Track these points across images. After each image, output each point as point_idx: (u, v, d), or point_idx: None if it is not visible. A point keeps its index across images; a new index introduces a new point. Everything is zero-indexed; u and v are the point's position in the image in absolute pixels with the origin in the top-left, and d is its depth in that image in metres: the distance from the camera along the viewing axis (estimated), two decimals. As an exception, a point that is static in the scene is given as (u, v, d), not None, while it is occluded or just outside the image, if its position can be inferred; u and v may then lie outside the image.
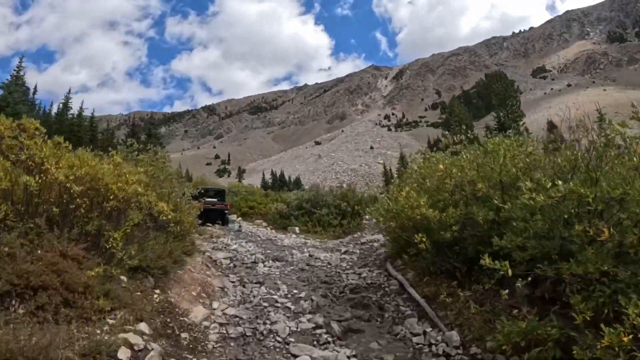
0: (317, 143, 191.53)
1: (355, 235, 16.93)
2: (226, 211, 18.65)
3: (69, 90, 31.31)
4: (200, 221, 13.81)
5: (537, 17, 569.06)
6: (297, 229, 17.65)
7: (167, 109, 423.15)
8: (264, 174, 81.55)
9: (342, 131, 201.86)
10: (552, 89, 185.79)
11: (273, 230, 17.72)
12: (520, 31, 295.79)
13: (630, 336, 2.65)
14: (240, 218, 20.43)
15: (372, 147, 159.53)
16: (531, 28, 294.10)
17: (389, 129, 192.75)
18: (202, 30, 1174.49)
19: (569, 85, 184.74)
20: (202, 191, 19.94)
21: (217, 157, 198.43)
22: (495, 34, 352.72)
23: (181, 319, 5.22)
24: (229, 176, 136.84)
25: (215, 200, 18.62)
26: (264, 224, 19.26)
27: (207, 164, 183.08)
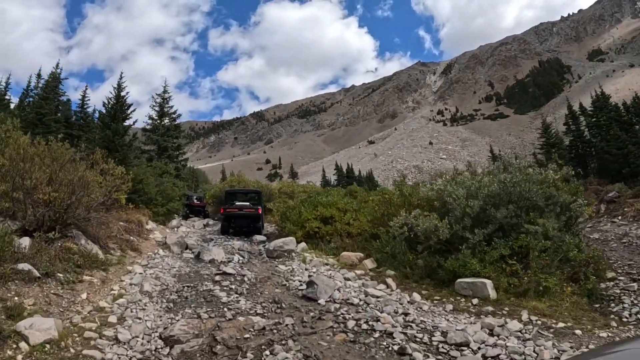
0: (371, 142, 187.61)
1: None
2: (259, 217, 14.69)
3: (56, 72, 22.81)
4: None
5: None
6: (489, 285, 6.97)
7: (217, 118, 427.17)
8: (323, 170, 70.62)
9: (395, 129, 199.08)
10: (613, 70, 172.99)
11: (407, 294, 7.19)
12: (568, 15, 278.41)
13: None
14: (303, 244, 10.63)
15: (431, 143, 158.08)
16: (580, 10, 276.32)
17: (444, 124, 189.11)
18: (244, 40, 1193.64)
19: (631, 66, 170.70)
20: (228, 195, 16.80)
21: (267, 161, 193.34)
22: (541, 20, 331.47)
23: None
24: (280, 179, 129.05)
25: (247, 204, 15.30)
26: (369, 265, 8.99)
27: (258, 169, 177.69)
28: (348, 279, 7.86)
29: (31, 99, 22.38)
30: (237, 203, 15.36)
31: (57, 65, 22.87)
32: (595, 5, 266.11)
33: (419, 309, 6.42)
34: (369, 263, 8.99)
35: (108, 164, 8.59)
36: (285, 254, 10.01)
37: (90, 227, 8.39)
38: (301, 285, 7.32)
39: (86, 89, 22.91)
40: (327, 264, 9.13)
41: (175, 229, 15.21)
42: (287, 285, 7.41)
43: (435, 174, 13.95)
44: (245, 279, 7.59)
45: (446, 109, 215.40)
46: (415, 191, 9.92)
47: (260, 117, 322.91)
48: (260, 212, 14.87)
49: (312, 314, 5.81)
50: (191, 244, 11.11)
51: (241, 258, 9.62)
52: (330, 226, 11.13)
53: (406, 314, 5.95)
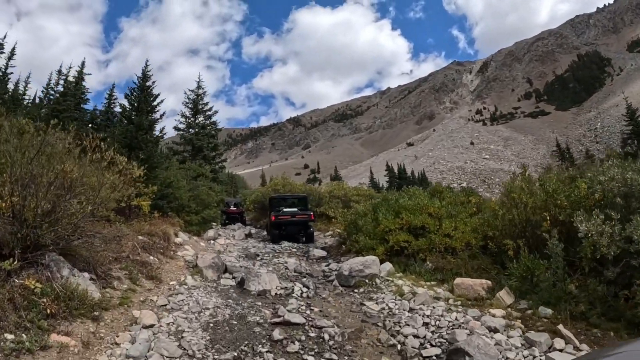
0: (409, 144, 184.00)
1: None
2: (310, 223, 14.72)
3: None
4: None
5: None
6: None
7: (254, 125, 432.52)
8: (371, 171, 67.08)
9: (434, 130, 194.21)
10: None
11: None
12: (604, 5, 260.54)
13: None
14: (388, 266, 7.47)
15: (472, 143, 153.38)
16: (616, 1, 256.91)
17: (484, 124, 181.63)
18: (278, 47, 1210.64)
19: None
20: (272, 201, 16.32)
21: (306, 166, 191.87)
22: (576, 13, 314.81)
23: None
24: (319, 184, 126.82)
25: (296, 210, 15.07)
26: (506, 299, 5.44)
27: (297, 174, 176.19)
28: (494, 330, 4.61)
29: (52, 97, 20.34)
30: (286, 209, 15.10)
31: (83, 63, 20.58)
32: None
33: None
34: (506, 296, 5.68)
35: (103, 154, 5.68)
36: (366, 281, 6.89)
37: (83, 249, 5.55)
38: (423, 345, 4.17)
39: (113, 87, 20.58)
40: (437, 298, 5.92)
41: (212, 241, 12.38)
42: (398, 346, 4.26)
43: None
44: (325, 335, 4.48)
45: (485, 108, 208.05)
46: (559, 187, 6.54)
47: (296, 122, 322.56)
48: (313, 217, 14.87)
49: None
50: (231, 264, 8.14)
51: (304, 289, 6.55)
52: (423, 239, 7.89)
53: None
